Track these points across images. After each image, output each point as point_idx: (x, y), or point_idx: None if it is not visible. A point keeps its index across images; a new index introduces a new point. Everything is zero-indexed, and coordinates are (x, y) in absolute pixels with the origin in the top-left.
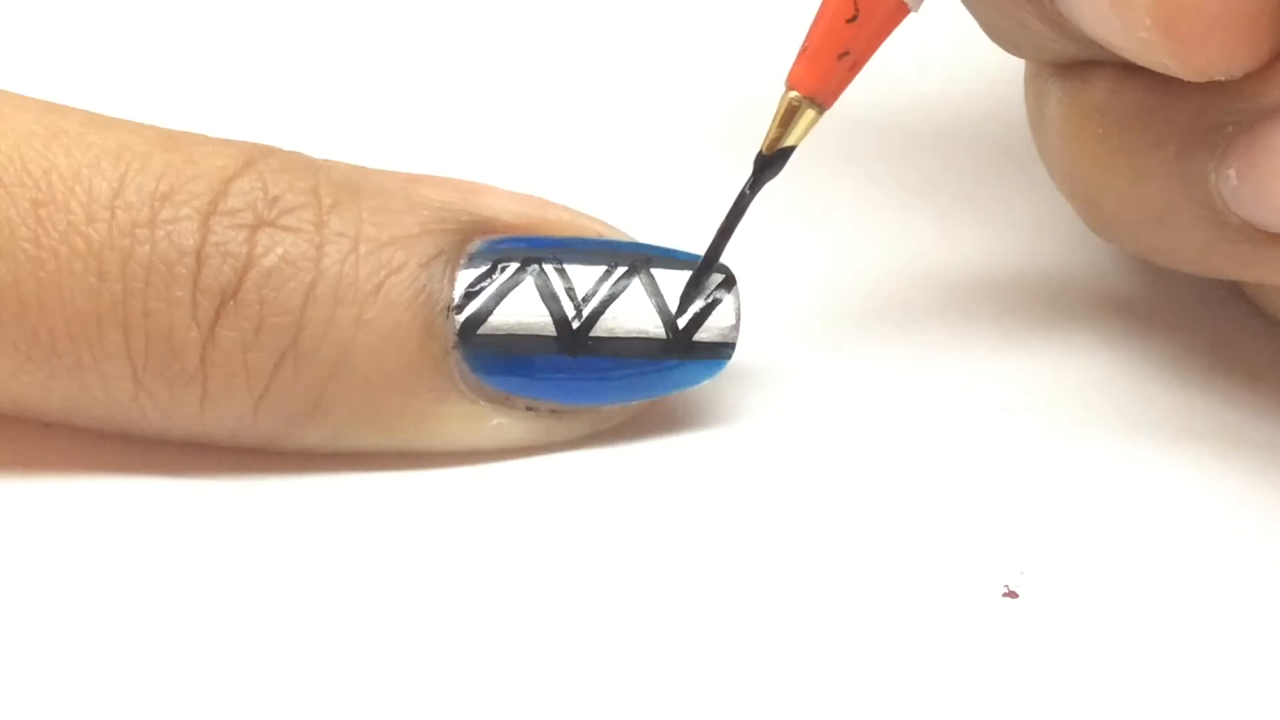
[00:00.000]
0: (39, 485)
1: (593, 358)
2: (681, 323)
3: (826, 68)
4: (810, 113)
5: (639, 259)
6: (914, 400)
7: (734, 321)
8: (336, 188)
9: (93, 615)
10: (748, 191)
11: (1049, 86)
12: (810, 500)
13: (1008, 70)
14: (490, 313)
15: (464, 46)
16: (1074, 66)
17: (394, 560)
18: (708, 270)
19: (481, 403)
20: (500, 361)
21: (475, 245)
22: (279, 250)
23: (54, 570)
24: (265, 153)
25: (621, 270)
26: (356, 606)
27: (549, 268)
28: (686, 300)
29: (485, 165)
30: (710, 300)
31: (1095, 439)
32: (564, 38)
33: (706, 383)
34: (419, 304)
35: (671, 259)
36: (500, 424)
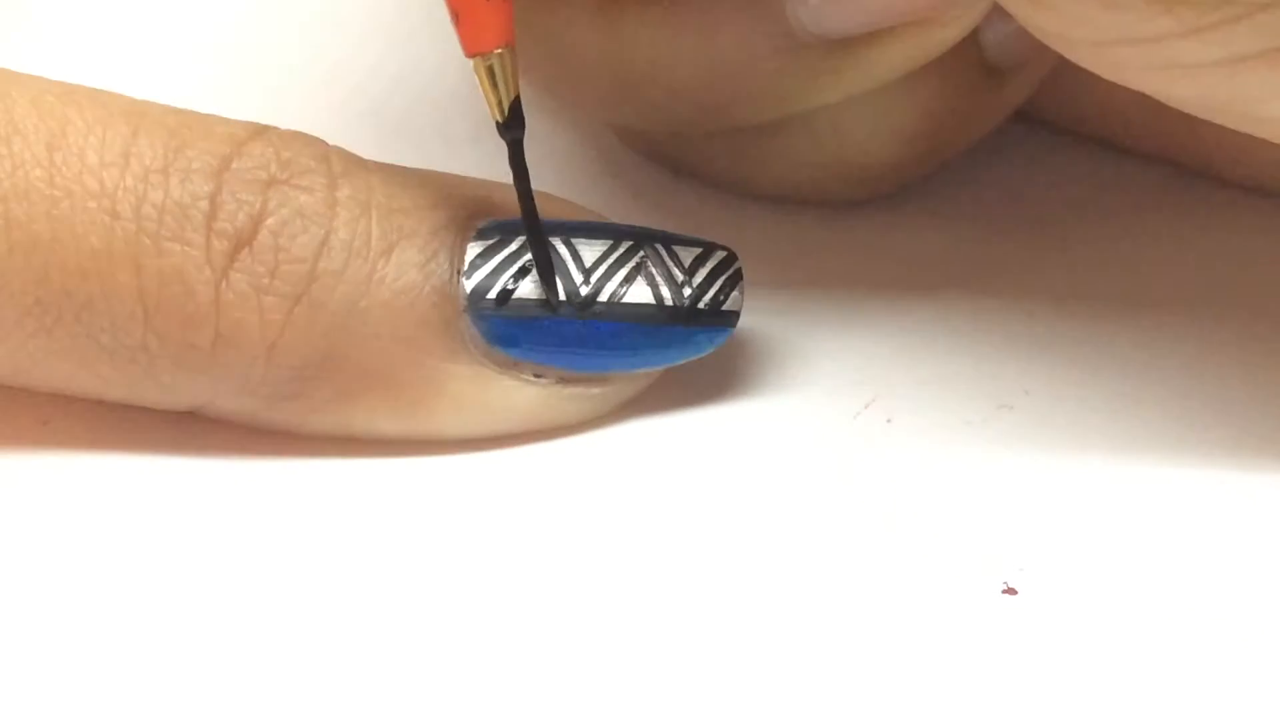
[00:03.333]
0: (38, 470)
1: (599, 324)
2: (687, 291)
3: (479, 19)
4: (501, 58)
5: (643, 235)
6: (914, 397)
7: (738, 291)
8: (347, 159)
9: (95, 599)
10: (515, 161)
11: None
12: (811, 498)
13: None
14: (499, 279)
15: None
16: None
17: (395, 545)
18: (537, 236)
19: (490, 367)
20: (508, 327)
21: (485, 221)
22: (293, 204)
23: (54, 555)
24: (274, 128)
25: (627, 244)
26: (357, 591)
27: (556, 240)
28: (692, 269)
29: (487, 168)
30: (715, 270)
31: (1095, 437)
32: None
33: (709, 373)
34: (431, 267)
35: (673, 237)
36: (508, 387)
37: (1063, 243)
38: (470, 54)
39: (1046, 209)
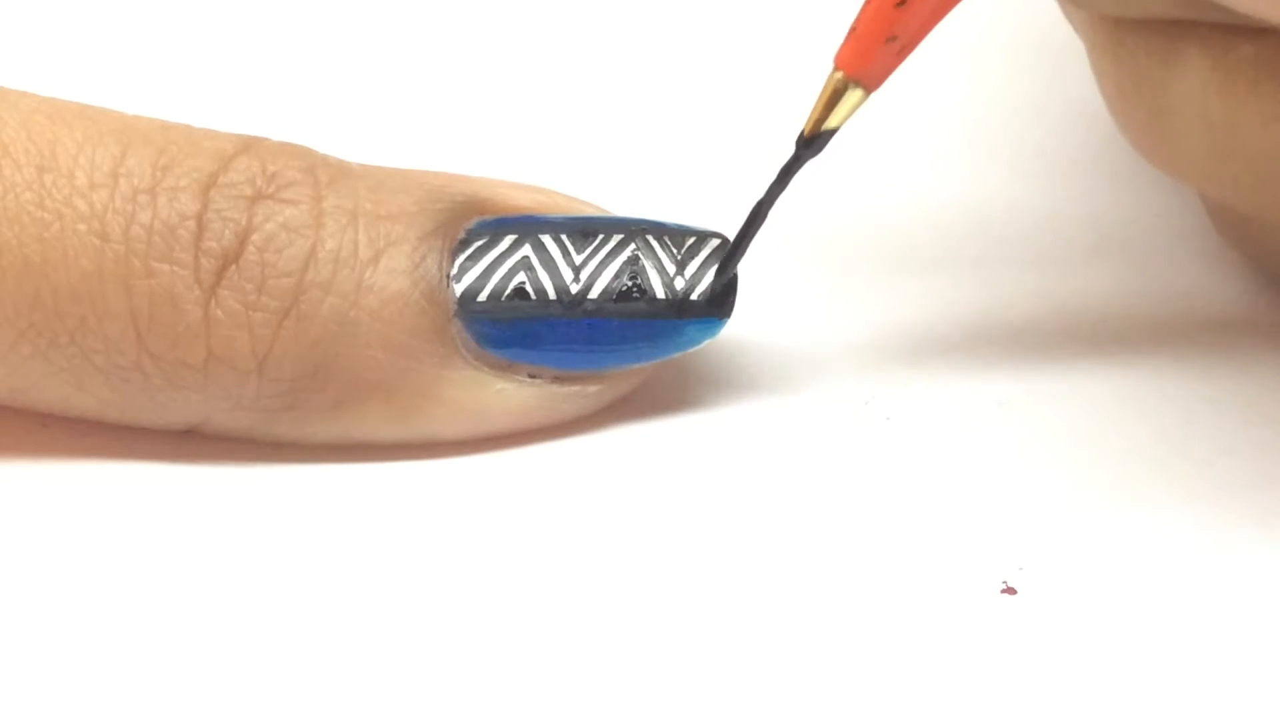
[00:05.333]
0: (37, 479)
1: (591, 321)
2: (679, 284)
3: (873, 51)
4: (855, 94)
5: (634, 227)
6: (913, 395)
7: (730, 281)
8: (333, 169)
9: (93, 606)
10: (786, 172)
11: (1184, 50)
12: (810, 496)
13: (1018, 61)
14: (489, 281)
15: (465, 46)
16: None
17: (395, 549)
18: (738, 253)
19: (484, 370)
20: (500, 329)
21: (473, 221)
22: (279, 219)
23: (53, 563)
24: (262, 139)
25: (618, 237)
26: (356, 596)
27: (545, 236)
28: (684, 260)
29: (486, 163)
30: (707, 260)
31: (1095, 436)
32: (566, 32)
33: (707, 371)
34: (420, 272)
35: (664, 227)
36: (503, 390)
37: (1059, 237)
38: (838, 66)
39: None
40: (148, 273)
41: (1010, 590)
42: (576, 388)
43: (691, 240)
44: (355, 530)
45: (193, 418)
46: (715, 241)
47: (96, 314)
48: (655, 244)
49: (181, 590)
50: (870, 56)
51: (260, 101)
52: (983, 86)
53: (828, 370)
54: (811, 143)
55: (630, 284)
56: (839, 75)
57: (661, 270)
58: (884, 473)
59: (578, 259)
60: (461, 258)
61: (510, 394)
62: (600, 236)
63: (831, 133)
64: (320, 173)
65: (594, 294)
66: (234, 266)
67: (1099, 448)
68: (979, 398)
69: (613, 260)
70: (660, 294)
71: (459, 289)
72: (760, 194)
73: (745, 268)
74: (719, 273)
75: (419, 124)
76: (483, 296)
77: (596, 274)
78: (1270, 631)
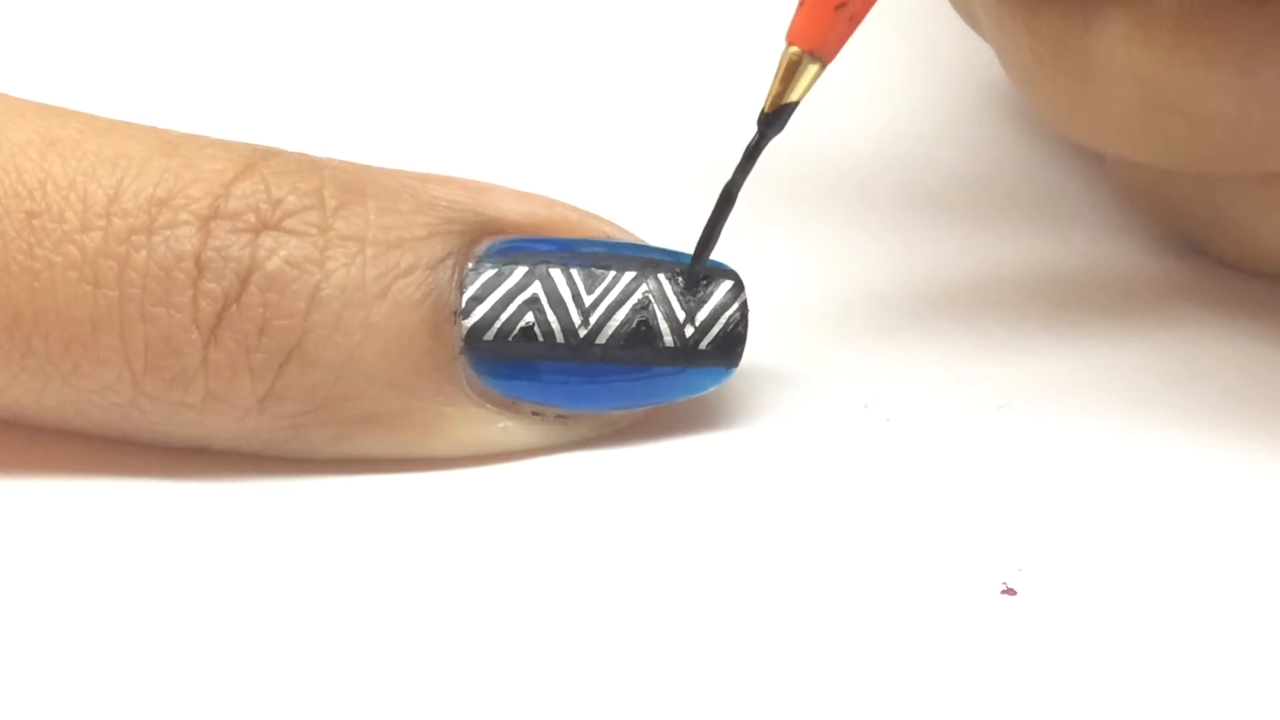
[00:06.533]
0: (38, 487)
1: (599, 364)
2: (689, 331)
3: (824, 20)
4: (812, 68)
5: (647, 264)
6: (913, 399)
7: (741, 330)
8: (341, 189)
9: (92, 620)
10: (752, 151)
11: (1105, 11)
12: (810, 498)
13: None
14: (496, 320)
15: (465, 46)
16: None
17: (397, 563)
18: (713, 237)
19: (488, 407)
20: (507, 367)
21: (483, 247)
22: (283, 253)
23: (53, 574)
24: (267, 155)
25: (629, 276)
26: (359, 611)
27: (556, 272)
28: (696, 305)
29: (489, 163)
30: (718, 307)
31: (1094, 437)
32: (564, 34)
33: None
34: (426, 308)
35: (679, 263)
36: (506, 427)
37: (1062, 242)
38: (790, 41)
39: (1047, 209)
40: (142, 317)
41: (1010, 591)
42: (579, 427)
43: (705, 283)
44: (359, 541)
45: (193, 444)
46: (728, 284)
47: (90, 359)
48: (667, 285)
49: (179, 607)
50: (823, 27)
51: (265, 93)
52: (982, 95)
53: (828, 373)
54: (773, 119)
55: (639, 329)
56: (793, 50)
57: (671, 316)
58: (884, 475)
59: (587, 300)
60: (470, 292)
61: (513, 431)
62: (611, 274)
63: (792, 106)
64: (328, 195)
65: (601, 339)
66: (234, 307)
67: (1099, 449)
68: (979, 399)
69: (623, 304)
70: (669, 341)
71: (466, 325)
72: (727, 177)
73: (744, 268)
74: (694, 259)
75: (417, 118)
76: (489, 335)
77: (606, 318)
78: (1271, 633)
